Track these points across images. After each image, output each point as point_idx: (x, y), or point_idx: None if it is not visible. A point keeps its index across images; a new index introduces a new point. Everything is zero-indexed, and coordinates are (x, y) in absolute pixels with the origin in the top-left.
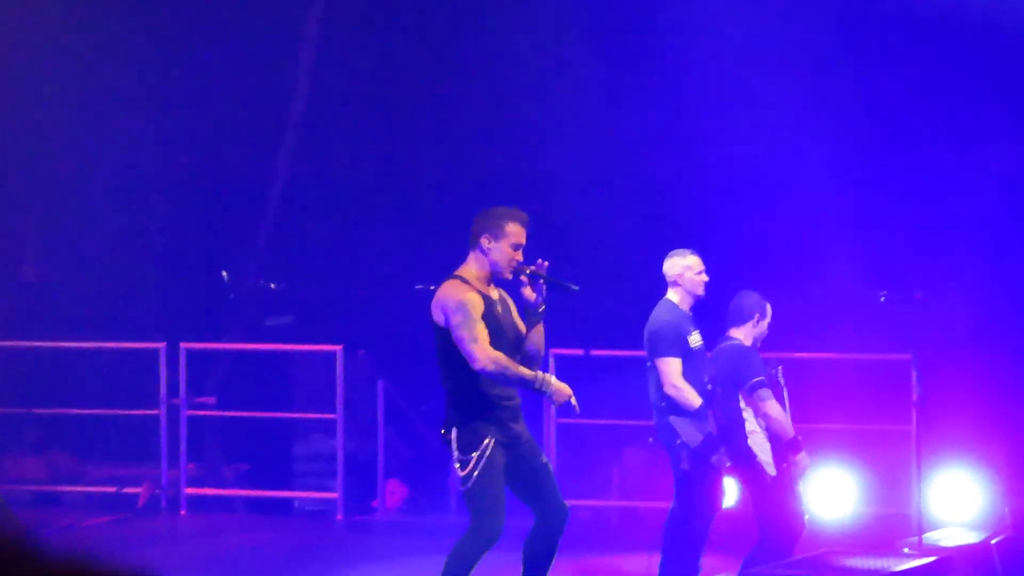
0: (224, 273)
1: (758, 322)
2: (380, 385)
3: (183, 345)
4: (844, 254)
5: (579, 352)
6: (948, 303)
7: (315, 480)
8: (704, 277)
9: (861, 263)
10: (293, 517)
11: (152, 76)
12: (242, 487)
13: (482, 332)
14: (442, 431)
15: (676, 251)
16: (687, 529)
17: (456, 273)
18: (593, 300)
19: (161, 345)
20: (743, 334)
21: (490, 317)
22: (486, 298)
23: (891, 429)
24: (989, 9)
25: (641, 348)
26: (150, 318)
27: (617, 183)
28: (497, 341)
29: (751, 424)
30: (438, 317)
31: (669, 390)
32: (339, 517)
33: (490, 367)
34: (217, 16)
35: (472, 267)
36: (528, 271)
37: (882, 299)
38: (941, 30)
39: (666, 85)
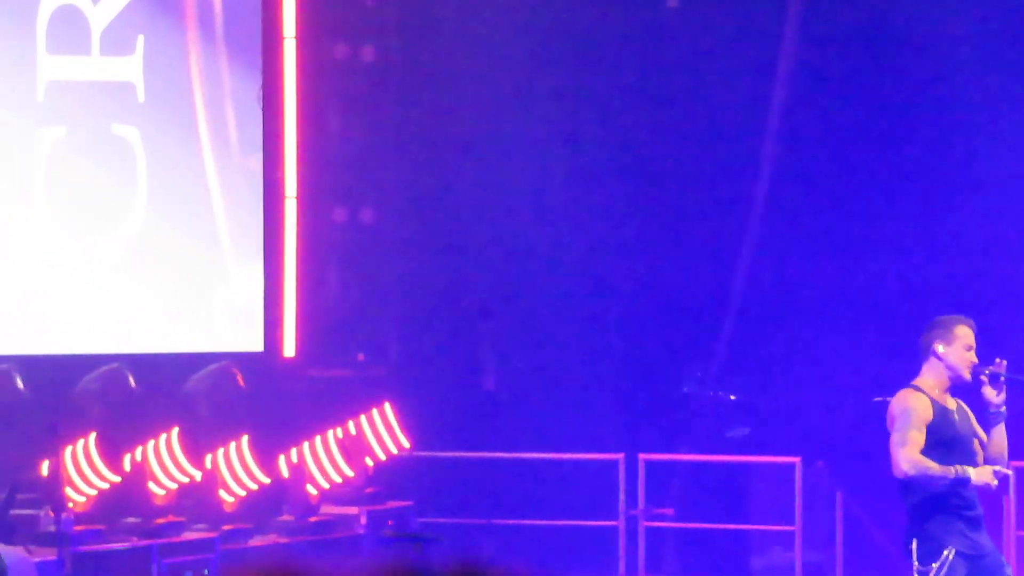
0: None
1: None
2: (838, 496)
3: (642, 456)
4: None
5: None
6: None
7: None
8: None
9: None
10: None
11: (606, 182)
12: None
13: (915, 438)
14: (904, 542)
15: None
16: None
17: (912, 383)
18: None
19: (620, 456)
20: None
21: (942, 425)
22: (940, 406)
23: None
24: None
25: None
26: (609, 428)
27: None
28: (953, 449)
29: None
30: (890, 426)
31: None
32: None
33: (911, 471)
34: (669, 123)
35: (928, 377)
36: (988, 371)
37: None
38: None
39: None
